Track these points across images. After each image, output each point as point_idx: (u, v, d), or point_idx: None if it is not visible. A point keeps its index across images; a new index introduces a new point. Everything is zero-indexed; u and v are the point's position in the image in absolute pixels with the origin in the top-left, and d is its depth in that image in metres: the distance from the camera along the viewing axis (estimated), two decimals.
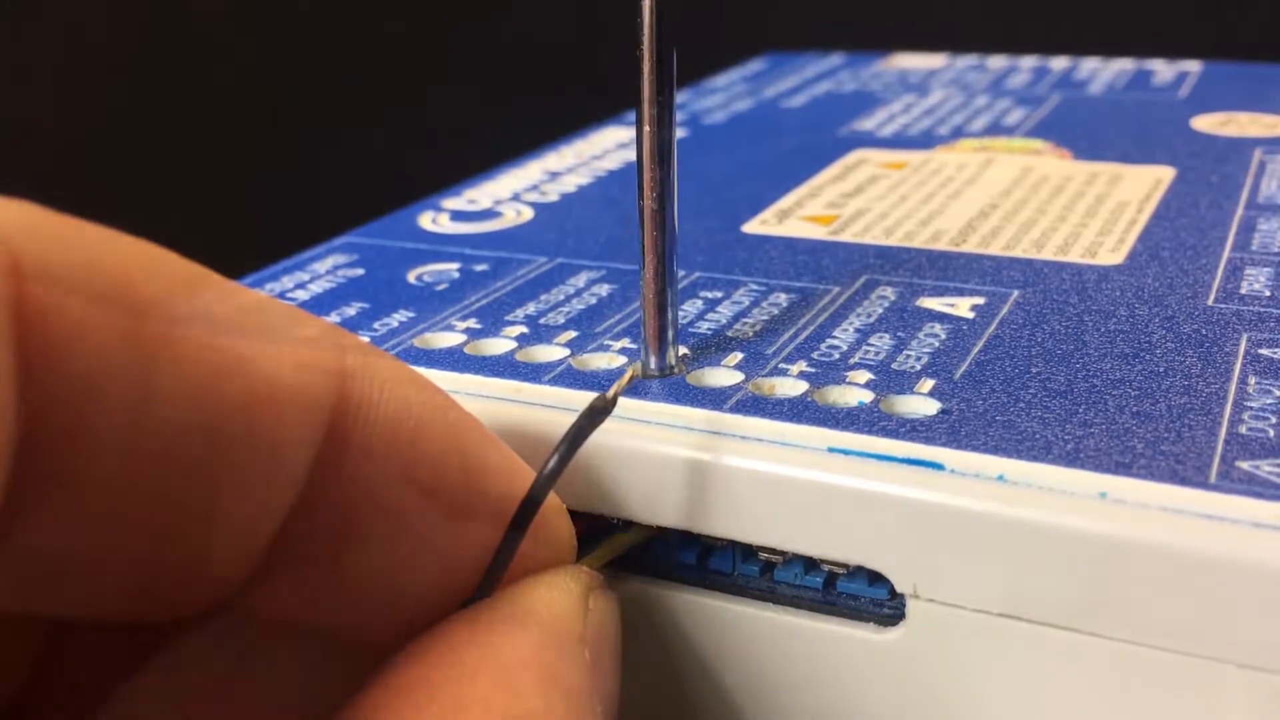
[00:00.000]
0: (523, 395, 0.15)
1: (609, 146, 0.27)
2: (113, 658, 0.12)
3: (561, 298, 0.18)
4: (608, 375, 0.16)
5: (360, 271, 0.20)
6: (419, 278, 0.20)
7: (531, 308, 0.18)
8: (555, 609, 0.12)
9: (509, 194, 0.24)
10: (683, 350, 0.16)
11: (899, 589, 0.13)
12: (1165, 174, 0.23)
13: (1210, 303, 0.17)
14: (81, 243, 0.09)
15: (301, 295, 0.19)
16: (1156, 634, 0.12)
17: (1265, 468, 0.13)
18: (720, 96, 0.32)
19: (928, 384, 0.15)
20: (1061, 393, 0.14)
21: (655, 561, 0.15)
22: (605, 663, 0.12)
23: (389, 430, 0.11)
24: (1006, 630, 0.13)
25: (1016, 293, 0.18)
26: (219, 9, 0.47)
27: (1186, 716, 0.12)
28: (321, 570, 0.11)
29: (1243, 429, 0.13)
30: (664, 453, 0.14)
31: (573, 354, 0.16)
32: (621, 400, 0.14)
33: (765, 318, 0.17)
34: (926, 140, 0.27)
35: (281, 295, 0.19)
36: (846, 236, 0.20)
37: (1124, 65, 0.34)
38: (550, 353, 0.16)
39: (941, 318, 0.17)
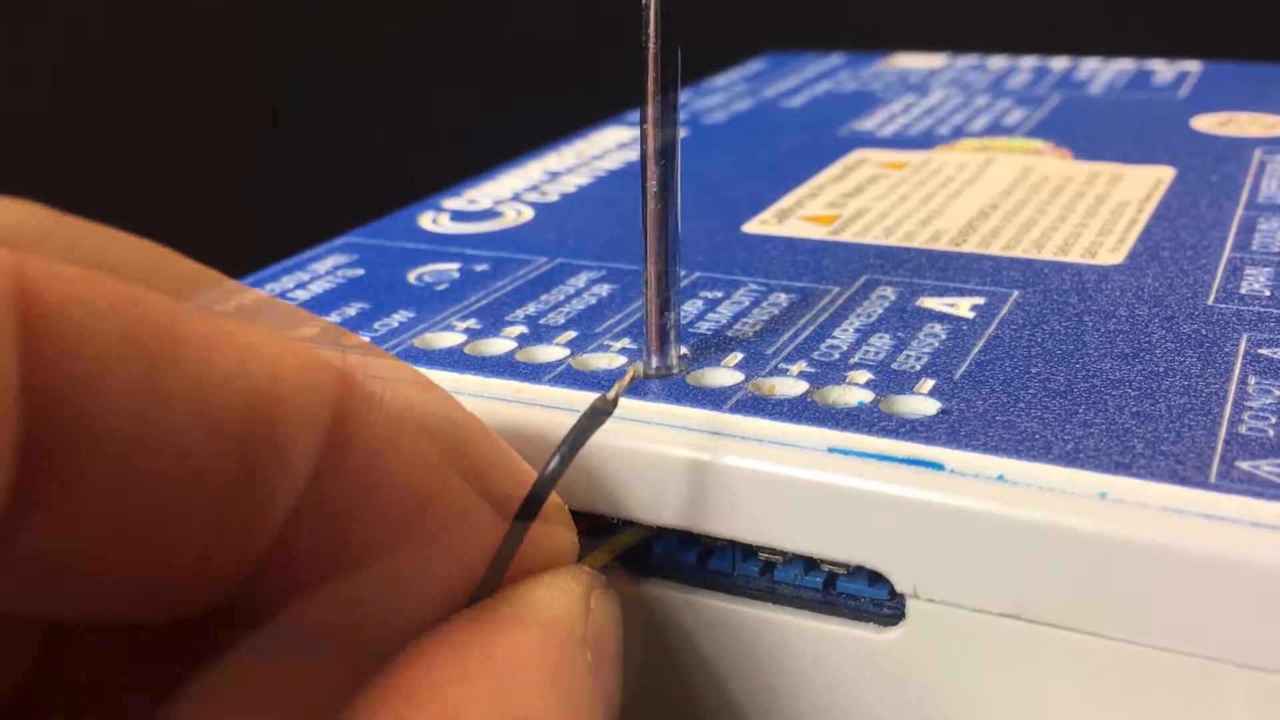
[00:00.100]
0: (523, 395, 0.15)
1: (609, 146, 0.27)
2: (113, 658, 0.12)
3: (562, 298, 0.18)
4: (608, 375, 0.16)
5: (360, 271, 0.20)
6: (419, 278, 0.20)
7: (532, 308, 0.18)
8: (556, 609, 0.12)
9: (509, 194, 0.24)
10: (683, 350, 0.16)
11: (899, 589, 0.13)
12: (1165, 174, 0.23)
13: (1210, 303, 0.17)
14: (84, 242, 0.09)
15: (301, 295, 0.19)
16: (1156, 634, 0.12)
17: (1265, 468, 0.13)
18: (720, 96, 0.32)
19: (928, 384, 0.15)
20: (1061, 393, 0.14)
21: (655, 561, 0.15)
22: (606, 663, 0.12)
23: (391, 430, 0.11)
24: (1006, 630, 0.13)
25: (1016, 293, 0.18)
26: (219, 9, 0.47)
27: (1186, 716, 0.12)
28: (323, 570, 0.11)
29: (1243, 429, 0.13)
30: (664, 453, 0.14)
31: (573, 354, 0.16)
32: (622, 400, 0.14)
33: (765, 318, 0.17)
34: (927, 140, 0.27)
35: (282, 295, 0.19)
36: (846, 236, 0.20)
37: (1124, 65, 0.34)
38: (550, 353, 0.16)
39: (941, 318, 0.17)
